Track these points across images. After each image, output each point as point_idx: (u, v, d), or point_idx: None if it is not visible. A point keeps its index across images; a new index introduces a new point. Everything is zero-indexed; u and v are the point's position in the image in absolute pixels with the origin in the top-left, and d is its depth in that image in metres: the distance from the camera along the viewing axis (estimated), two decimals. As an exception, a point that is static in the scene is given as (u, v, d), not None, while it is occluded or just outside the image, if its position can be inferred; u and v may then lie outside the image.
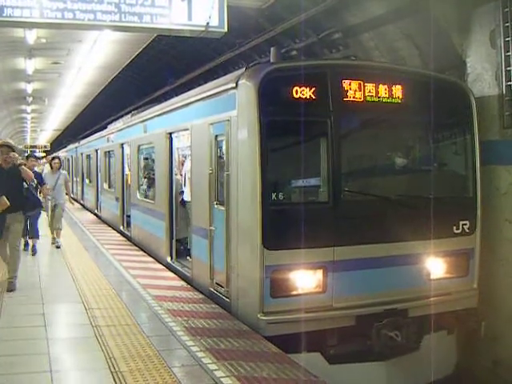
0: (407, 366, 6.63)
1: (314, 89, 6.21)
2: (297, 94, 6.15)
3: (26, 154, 13.80)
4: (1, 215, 7.74)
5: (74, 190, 25.66)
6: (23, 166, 8.40)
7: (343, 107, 6.44)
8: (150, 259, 10.31)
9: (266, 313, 6.07)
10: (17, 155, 8.40)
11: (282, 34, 11.02)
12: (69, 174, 12.60)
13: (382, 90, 6.63)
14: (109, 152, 16.72)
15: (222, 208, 6.93)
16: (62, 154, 30.78)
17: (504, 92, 7.27)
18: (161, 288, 7.96)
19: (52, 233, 12.38)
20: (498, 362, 7.43)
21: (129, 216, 13.41)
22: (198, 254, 8.08)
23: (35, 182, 9.77)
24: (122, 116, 18.16)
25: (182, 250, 9.82)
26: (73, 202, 15.63)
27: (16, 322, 6.39)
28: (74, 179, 26.35)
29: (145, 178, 12.22)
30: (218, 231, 7.12)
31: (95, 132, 23.34)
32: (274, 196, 6.21)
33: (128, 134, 13.36)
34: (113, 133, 15.78)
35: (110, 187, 16.66)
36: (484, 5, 7.37)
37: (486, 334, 7.13)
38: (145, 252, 11.05)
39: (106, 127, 18.96)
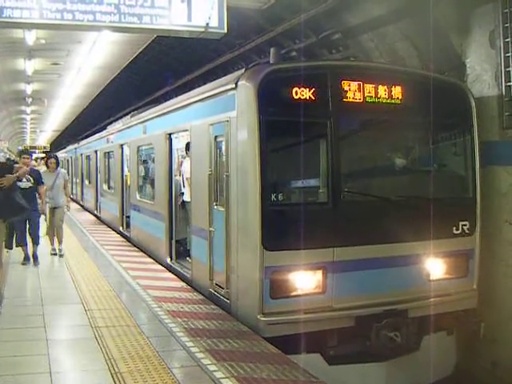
0: (407, 367, 6.62)
1: (313, 89, 6.20)
2: (296, 94, 6.14)
3: (20, 149, 12.96)
4: None
5: (74, 191, 25.66)
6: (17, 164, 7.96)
7: (343, 108, 6.44)
8: (150, 260, 10.30)
9: (265, 314, 6.07)
10: None
11: (281, 35, 11.01)
12: (68, 174, 12.35)
13: (382, 90, 6.64)
14: (108, 153, 16.70)
15: (222, 209, 6.92)
16: (61, 154, 30.73)
17: (503, 93, 7.27)
18: (160, 289, 7.95)
19: (51, 242, 10.83)
20: (497, 363, 7.42)
21: (128, 217, 13.39)
22: (197, 254, 8.07)
23: (31, 180, 9.51)
24: (121, 117, 18.14)
25: (181, 250, 9.81)
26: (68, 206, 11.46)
27: (16, 322, 6.38)
28: (74, 180, 26.33)
29: (144, 178, 12.21)
30: (217, 232, 7.12)
31: (95, 133, 23.32)
32: (273, 197, 6.21)
33: (127, 134, 13.35)
34: (112, 134, 15.77)
35: (109, 188, 16.66)
36: (483, 5, 7.37)
37: (486, 335, 7.12)
38: (144, 253, 11.04)
39: (105, 128, 18.95)
